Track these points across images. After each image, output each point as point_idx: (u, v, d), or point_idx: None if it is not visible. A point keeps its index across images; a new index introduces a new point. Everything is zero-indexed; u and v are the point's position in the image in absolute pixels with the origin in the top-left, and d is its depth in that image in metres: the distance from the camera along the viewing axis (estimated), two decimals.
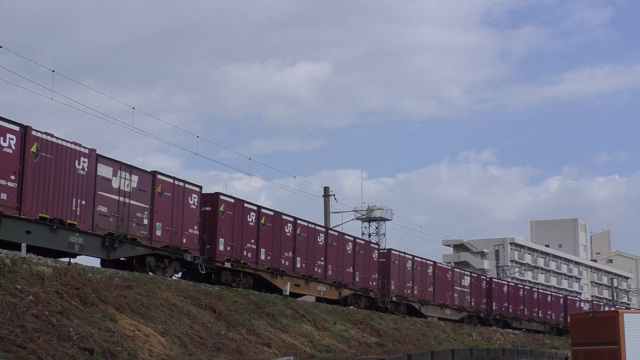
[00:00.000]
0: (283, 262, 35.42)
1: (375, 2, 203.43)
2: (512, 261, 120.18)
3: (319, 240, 38.34)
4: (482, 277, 60.48)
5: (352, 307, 40.58)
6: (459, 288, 53.28)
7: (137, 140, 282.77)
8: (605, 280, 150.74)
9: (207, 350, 22.26)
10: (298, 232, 36.63)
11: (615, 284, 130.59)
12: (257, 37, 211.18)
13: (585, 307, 69.29)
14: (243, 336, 25.24)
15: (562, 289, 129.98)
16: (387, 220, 79.63)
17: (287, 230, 35.80)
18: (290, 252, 36.01)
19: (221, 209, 31.53)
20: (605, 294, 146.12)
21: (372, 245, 44.95)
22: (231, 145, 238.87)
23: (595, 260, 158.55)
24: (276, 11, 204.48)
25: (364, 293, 42.41)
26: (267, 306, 30.08)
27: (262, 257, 33.93)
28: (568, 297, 68.92)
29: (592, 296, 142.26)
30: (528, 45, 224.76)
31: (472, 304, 54.87)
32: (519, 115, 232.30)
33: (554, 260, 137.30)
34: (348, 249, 41.21)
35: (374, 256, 44.05)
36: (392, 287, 45.13)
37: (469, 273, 56.72)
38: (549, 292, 72.57)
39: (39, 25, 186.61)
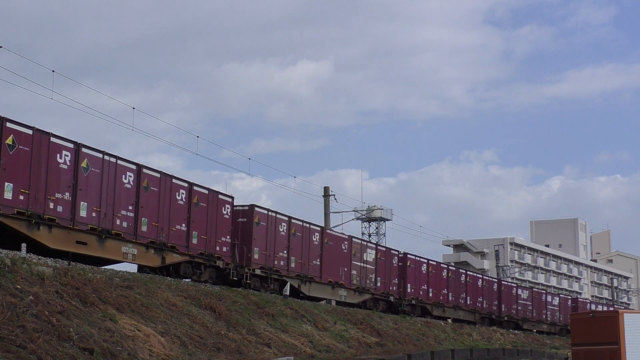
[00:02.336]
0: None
1: (378, 1, 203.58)
2: (512, 261, 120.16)
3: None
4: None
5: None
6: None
7: (139, 140, 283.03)
8: (605, 280, 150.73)
9: (207, 350, 22.26)
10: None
11: (615, 284, 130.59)
12: (258, 36, 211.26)
13: (525, 294, 63.30)
14: (243, 336, 25.24)
15: (562, 289, 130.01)
16: (387, 220, 79.65)
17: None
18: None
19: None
20: (605, 294, 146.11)
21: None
22: (233, 144, 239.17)
23: (595, 260, 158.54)
24: (278, 10, 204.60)
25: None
26: (267, 306, 30.09)
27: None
28: (502, 281, 62.03)
29: (592, 296, 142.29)
30: (531, 45, 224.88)
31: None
32: (520, 115, 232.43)
33: (554, 260, 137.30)
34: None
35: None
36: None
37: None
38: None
39: (39, 24, 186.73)
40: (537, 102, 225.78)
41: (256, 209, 33.98)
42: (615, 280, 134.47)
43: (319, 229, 38.82)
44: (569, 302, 70.24)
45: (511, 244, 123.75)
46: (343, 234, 41.97)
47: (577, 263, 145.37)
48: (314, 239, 38.03)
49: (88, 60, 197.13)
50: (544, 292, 67.93)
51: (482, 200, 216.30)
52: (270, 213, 34.76)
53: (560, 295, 72.97)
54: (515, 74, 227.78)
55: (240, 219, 33.43)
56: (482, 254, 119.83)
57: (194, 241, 30.10)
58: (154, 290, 24.69)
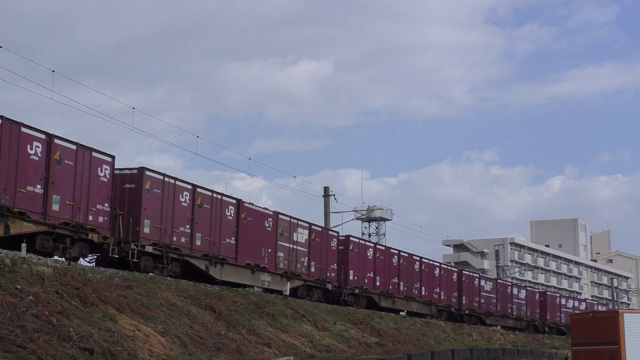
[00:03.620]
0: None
1: (379, 1, 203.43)
2: (512, 261, 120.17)
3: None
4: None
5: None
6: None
7: (140, 140, 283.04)
8: (605, 280, 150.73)
9: (207, 350, 22.26)
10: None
11: (615, 284, 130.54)
12: (259, 36, 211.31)
13: (488, 285, 57.36)
14: (243, 336, 25.25)
15: (562, 289, 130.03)
16: (387, 220, 79.63)
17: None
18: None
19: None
20: (605, 294, 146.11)
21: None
22: (233, 144, 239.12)
23: (595, 260, 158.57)
24: (278, 9, 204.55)
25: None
26: (267, 306, 30.10)
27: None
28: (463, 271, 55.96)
29: (592, 296, 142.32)
30: (532, 44, 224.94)
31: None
32: (521, 115, 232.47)
33: (554, 260, 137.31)
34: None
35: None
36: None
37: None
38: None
39: (39, 24, 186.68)
40: (538, 101, 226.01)
41: (147, 172, 28.24)
42: (615, 280, 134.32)
43: (234, 201, 32.50)
44: (537, 296, 65.81)
45: (511, 244, 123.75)
46: (267, 209, 35.15)
47: (577, 263, 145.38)
48: (228, 213, 32.00)
49: (88, 60, 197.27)
50: (510, 283, 62.53)
51: (482, 200, 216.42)
52: (167, 179, 29.14)
53: (527, 287, 67.89)
54: (517, 74, 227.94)
55: (127, 185, 27.92)
56: (482, 254, 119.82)
57: (55, 208, 24.17)
58: (154, 290, 24.70)
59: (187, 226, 29.80)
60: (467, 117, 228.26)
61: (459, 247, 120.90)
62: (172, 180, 29.36)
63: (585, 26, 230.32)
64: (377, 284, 43.29)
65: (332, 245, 39.93)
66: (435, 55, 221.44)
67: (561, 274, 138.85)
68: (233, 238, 32.34)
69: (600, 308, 76.88)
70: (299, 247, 36.86)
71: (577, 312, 61.51)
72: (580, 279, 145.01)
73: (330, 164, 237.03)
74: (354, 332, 33.43)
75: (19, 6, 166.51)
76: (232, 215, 32.37)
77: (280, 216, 35.54)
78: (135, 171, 28.20)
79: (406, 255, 46.99)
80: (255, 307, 29.33)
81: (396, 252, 46.05)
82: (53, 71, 30.55)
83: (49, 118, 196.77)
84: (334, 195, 54.04)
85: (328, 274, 39.06)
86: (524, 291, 63.73)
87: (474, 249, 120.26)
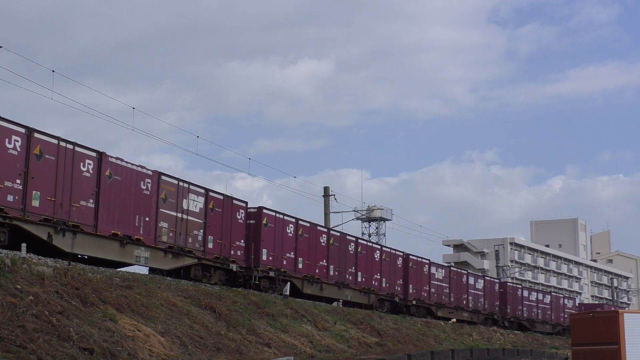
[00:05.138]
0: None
1: (380, 0, 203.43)
2: (512, 261, 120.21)
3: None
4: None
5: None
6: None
7: (141, 140, 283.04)
8: (605, 280, 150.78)
9: (207, 350, 22.27)
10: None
11: (615, 284, 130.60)
12: (259, 35, 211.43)
13: (440, 273, 51.43)
14: (243, 336, 25.25)
15: (562, 289, 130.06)
16: (387, 220, 79.64)
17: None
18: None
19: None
20: (605, 294, 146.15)
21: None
22: (234, 144, 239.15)
23: (595, 260, 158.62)
24: (279, 9, 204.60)
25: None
26: (267, 306, 30.10)
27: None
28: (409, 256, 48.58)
29: (592, 296, 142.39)
30: (534, 44, 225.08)
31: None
32: (522, 115, 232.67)
33: (554, 260, 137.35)
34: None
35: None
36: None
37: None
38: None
39: (39, 23, 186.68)
40: (539, 101, 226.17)
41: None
42: (615, 280, 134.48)
43: (94, 154, 25.65)
44: (496, 287, 59.88)
45: (511, 244, 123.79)
46: (144, 167, 28.20)
47: (577, 263, 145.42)
48: (84, 169, 25.28)
49: (88, 59, 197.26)
50: (465, 272, 55.79)
51: (483, 200, 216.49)
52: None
53: (486, 277, 60.95)
54: (518, 74, 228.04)
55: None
56: (482, 254, 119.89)
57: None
58: (154, 290, 24.71)
59: (18, 181, 22.94)
60: (468, 116, 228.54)
61: (459, 247, 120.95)
62: None
63: (587, 26, 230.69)
64: (300, 266, 36.43)
65: (239, 217, 32.87)
66: (436, 55, 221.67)
67: (561, 274, 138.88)
68: (91, 201, 25.53)
69: (567, 302, 72.41)
70: (191, 218, 30.17)
71: (577, 312, 61.43)
72: (580, 279, 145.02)
73: (331, 164, 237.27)
74: (354, 332, 33.43)
75: (19, 6, 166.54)
76: (91, 171, 25.49)
77: (163, 177, 28.90)
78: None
79: (338, 234, 40.68)
80: (255, 307, 29.33)
81: (325, 230, 39.68)
82: (53, 71, 30.51)
83: (49, 118, 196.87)
84: (334, 195, 54.11)
85: (232, 252, 32.21)
86: (482, 281, 57.42)
87: (474, 249, 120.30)
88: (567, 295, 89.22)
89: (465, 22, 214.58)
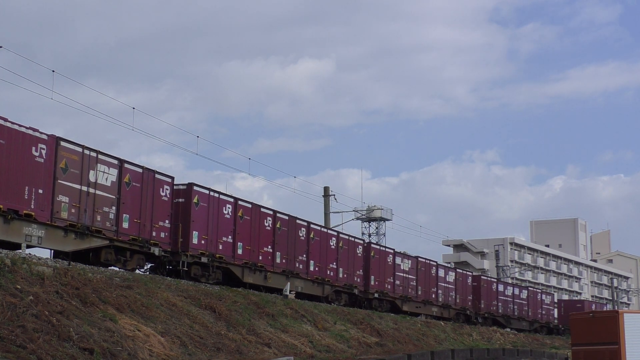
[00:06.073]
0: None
1: (381, 0, 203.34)
2: (512, 261, 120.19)
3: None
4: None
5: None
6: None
7: (141, 140, 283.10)
8: (605, 280, 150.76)
9: (207, 350, 22.27)
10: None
11: (615, 284, 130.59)
12: (260, 35, 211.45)
13: (406, 264, 47.04)
14: (243, 336, 25.25)
15: (562, 289, 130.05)
16: (387, 220, 79.64)
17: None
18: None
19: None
20: (605, 294, 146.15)
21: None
22: (235, 144, 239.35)
23: (595, 260, 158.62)
24: (280, 8, 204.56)
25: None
26: (267, 306, 30.10)
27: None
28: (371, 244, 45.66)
29: (592, 296, 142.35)
30: (535, 44, 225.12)
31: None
32: (523, 114, 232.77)
33: (554, 260, 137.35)
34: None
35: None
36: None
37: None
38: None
39: (39, 23, 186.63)
40: (540, 101, 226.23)
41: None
42: (615, 280, 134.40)
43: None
44: (469, 280, 55.62)
45: (511, 244, 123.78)
46: (36, 130, 23.90)
47: (577, 263, 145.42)
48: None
49: (89, 59, 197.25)
50: (435, 263, 50.97)
51: (484, 200, 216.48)
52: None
53: (458, 270, 55.94)
54: (519, 73, 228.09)
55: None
56: (482, 254, 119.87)
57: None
58: (154, 290, 24.71)
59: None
60: (469, 116, 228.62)
61: (459, 247, 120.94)
62: None
63: (588, 25, 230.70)
64: (239, 252, 32.72)
65: (163, 194, 29.14)
66: (437, 55, 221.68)
67: (561, 274, 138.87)
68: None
69: (544, 297, 69.50)
70: (100, 192, 26.19)
71: (577, 312, 61.26)
72: (580, 279, 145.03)
73: (332, 164, 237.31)
74: (354, 332, 33.44)
75: (19, 6, 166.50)
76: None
77: (63, 143, 24.90)
78: None
79: (286, 218, 36.23)
80: (255, 307, 29.34)
81: (270, 212, 35.27)
82: (53, 71, 30.48)
83: (49, 118, 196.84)
84: (334, 195, 54.10)
85: (155, 234, 28.52)
86: (453, 273, 53.29)
87: (474, 249, 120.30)
88: (544, 290, 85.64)
89: (466, 22, 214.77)
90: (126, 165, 27.32)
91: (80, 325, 18.55)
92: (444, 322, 48.17)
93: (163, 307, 23.78)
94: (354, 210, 70.79)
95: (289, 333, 28.54)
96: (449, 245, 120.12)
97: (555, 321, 72.12)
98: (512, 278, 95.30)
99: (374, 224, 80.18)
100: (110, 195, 26.52)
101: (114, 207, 26.67)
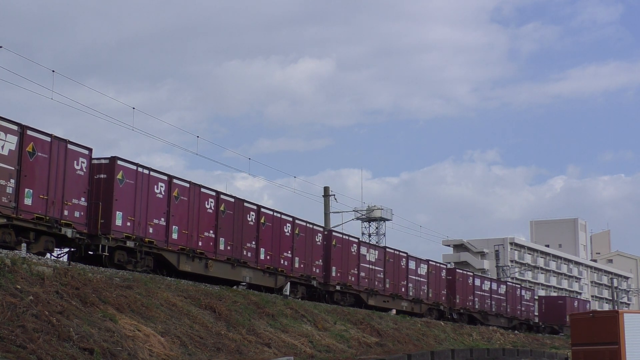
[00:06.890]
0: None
1: (382, 0, 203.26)
2: (512, 261, 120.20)
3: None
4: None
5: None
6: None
7: (142, 140, 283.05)
8: (605, 280, 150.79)
9: (207, 350, 22.27)
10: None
11: (615, 284, 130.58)
12: (261, 34, 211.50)
13: (372, 255, 43.76)
14: (243, 336, 25.25)
15: (562, 289, 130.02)
16: (387, 220, 79.64)
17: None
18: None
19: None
20: (605, 294, 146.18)
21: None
22: (235, 143, 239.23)
23: (595, 260, 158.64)
24: (281, 8, 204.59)
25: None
26: (267, 306, 30.10)
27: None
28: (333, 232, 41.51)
29: (592, 296, 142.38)
30: (536, 43, 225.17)
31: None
32: (524, 114, 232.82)
33: (554, 260, 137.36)
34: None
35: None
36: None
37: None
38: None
39: (39, 23, 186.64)
40: (541, 101, 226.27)
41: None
42: (615, 280, 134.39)
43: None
44: (443, 274, 52.27)
45: (511, 244, 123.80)
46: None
47: (577, 263, 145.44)
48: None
49: (89, 59, 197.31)
50: (405, 255, 47.30)
51: (484, 200, 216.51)
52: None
53: (430, 262, 51.00)
54: (520, 73, 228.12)
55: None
56: (482, 254, 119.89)
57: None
58: (154, 290, 24.72)
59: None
60: (469, 116, 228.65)
61: (459, 247, 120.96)
62: None
63: (590, 25, 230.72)
64: (174, 236, 29.26)
65: (78, 167, 25.25)
66: (438, 55, 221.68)
67: (561, 274, 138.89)
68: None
69: (524, 293, 66.33)
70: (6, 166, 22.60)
71: (577, 312, 61.28)
72: (580, 279, 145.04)
73: (332, 164, 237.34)
74: (354, 332, 33.44)
75: (19, 6, 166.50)
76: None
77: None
78: None
79: (232, 200, 32.67)
80: (255, 307, 29.34)
81: (212, 194, 31.63)
82: (53, 71, 30.45)
83: (49, 118, 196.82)
84: (334, 195, 54.08)
85: (67, 213, 24.64)
86: (425, 266, 49.35)
87: (474, 249, 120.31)
88: (524, 285, 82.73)
89: (467, 22, 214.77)
90: (29, 132, 23.28)
91: (80, 325, 18.56)
92: (443, 322, 48.18)
93: (163, 307, 23.78)
94: (354, 210, 70.81)
95: (289, 333, 28.54)
96: (449, 245, 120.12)
97: (536, 318, 69.14)
98: (513, 278, 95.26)
99: (374, 224, 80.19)
100: (7, 167, 22.52)
101: (12, 180, 22.71)
